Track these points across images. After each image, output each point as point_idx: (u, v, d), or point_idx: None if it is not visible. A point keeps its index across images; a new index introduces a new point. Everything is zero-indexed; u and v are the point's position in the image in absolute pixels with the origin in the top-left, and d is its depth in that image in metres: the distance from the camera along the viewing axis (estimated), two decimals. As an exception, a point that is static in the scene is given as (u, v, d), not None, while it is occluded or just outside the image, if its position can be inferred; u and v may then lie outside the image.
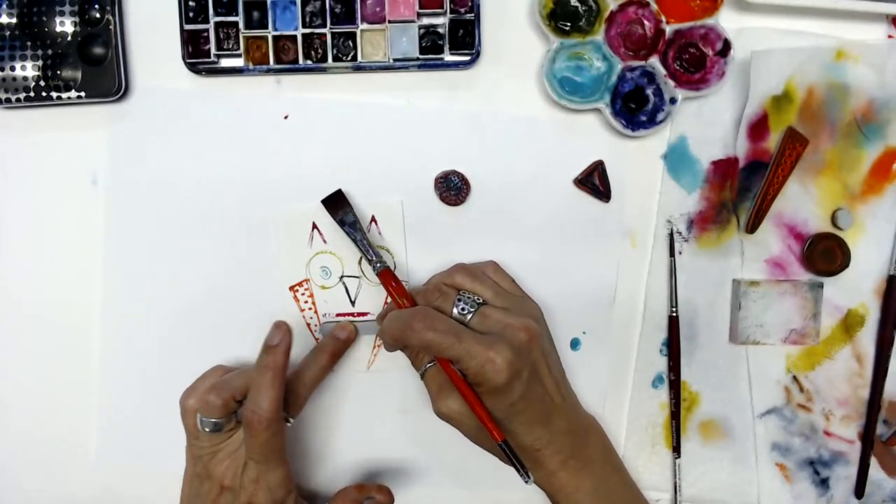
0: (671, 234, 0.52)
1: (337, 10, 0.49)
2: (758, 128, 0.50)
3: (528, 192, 0.51)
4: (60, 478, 0.53)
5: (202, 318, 0.52)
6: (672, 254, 0.52)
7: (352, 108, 0.51)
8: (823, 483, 0.53)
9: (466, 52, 0.49)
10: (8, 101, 0.49)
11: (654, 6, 0.48)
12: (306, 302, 0.52)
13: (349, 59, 0.50)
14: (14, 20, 0.49)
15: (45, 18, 0.49)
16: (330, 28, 0.49)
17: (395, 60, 0.49)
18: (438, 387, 0.44)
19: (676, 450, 0.53)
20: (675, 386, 0.52)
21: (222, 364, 0.50)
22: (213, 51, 0.49)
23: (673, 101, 0.49)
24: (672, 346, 0.52)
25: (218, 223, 0.51)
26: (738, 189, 0.51)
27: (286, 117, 0.51)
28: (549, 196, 0.51)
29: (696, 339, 0.52)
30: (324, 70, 0.50)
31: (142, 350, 0.52)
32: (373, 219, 0.51)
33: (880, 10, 0.50)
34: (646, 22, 0.49)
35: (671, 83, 0.49)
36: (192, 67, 0.50)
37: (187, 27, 0.49)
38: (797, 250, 0.52)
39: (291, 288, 0.52)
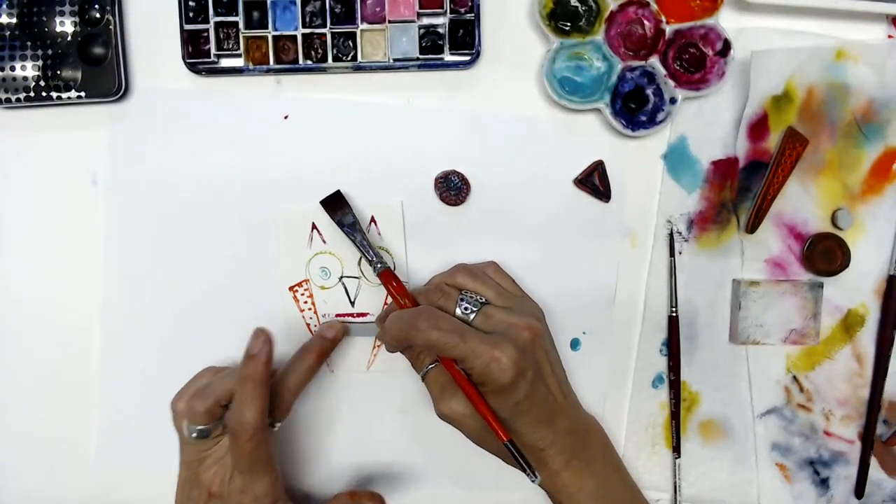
0: (671, 234, 0.52)
1: (337, 10, 0.49)
2: (758, 128, 0.50)
3: (528, 192, 0.51)
4: (60, 478, 0.53)
5: (202, 318, 0.52)
6: (672, 254, 0.52)
7: (352, 108, 0.51)
8: (823, 483, 0.53)
9: (466, 52, 0.49)
10: (8, 101, 0.49)
11: (654, 6, 0.48)
12: (306, 302, 0.52)
13: (349, 59, 0.50)
14: (14, 20, 0.49)
15: (45, 18, 0.49)
16: (330, 28, 0.49)
17: (395, 60, 0.49)
18: (441, 388, 0.44)
19: (676, 450, 0.53)
20: (675, 386, 0.52)
21: (214, 365, 0.50)
22: (213, 51, 0.49)
23: (673, 101, 0.49)
24: (672, 346, 0.52)
25: (218, 223, 0.51)
26: (738, 189, 0.51)
27: (286, 117, 0.51)
28: (549, 196, 0.51)
29: (696, 339, 0.52)
30: (324, 70, 0.50)
31: (142, 350, 0.52)
32: (372, 219, 0.51)
33: (880, 10, 0.50)
34: (646, 22, 0.49)
35: (671, 83, 0.49)
36: (192, 67, 0.50)
37: (187, 27, 0.49)
38: (797, 250, 0.52)
39: (291, 288, 0.52)
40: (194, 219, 0.51)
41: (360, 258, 0.51)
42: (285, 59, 0.50)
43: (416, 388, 0.52)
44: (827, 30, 0.50)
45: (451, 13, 0.49)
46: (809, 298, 0.52)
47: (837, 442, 0.53)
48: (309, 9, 0.49)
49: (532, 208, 0.51)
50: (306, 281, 0.52)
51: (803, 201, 0.51)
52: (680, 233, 0.52)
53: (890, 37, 0.51)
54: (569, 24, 0.49)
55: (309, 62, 0.50)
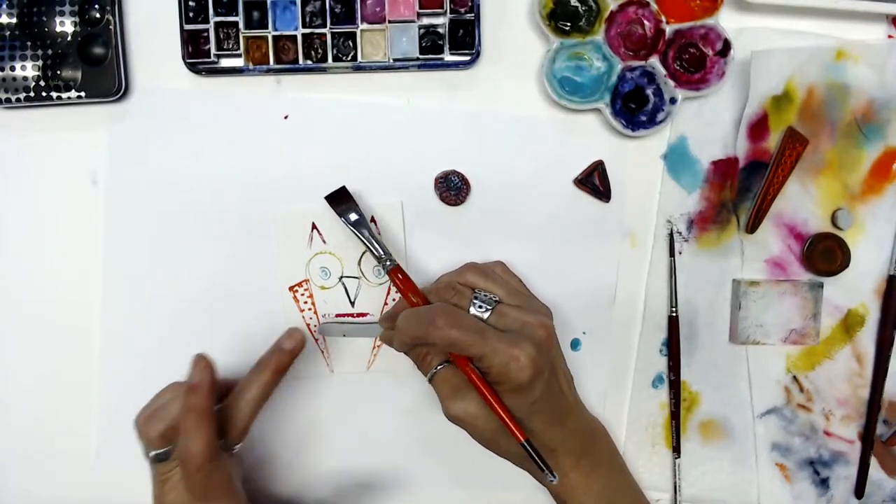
0: (671, 234, 0.52)
1: (337, 10, 0.49)
2: (758, 128, 0.50)
3: (528, 192, 0.51)
4: (60, 478, 0.53)
5: (202, 318, 0.52)
6: (672, 254, 0.52)
7: (352, 108, 0.51)
8: (823, 483, 0.53)
9: (466, 52, 0.49)
10: (8, 101, 0.49)
11: (654, 6, 0.48)
12: (306, 302, 0.52)
13: (349, 59, 0.50)
14: (14, 20, 0.49)
15: (45, 18, 0.49)
16: (330, 28, 0.49)
17: (395, 60, 0.49)
18: (452, 389, 0.43)
19: (676, 450, 0.53)
20: (675, 386, 0.52)
21: (178, 381, 0.46)
22: (213, 51, 0.49)
23: (673, 101, 0.49)
24: (672, 346, 0.52)
25: (218, 223, 0.51)
26: (738, 189, 0.51)
27: (286, 117, 0.51)
28: (549, 196, 0.51)
29: (696, 339, 0.52)
30: (324, 70, 0.50)
31: (142, 350, 0.52)
32: (372, 219, 0.51)
33: (880, 10, 0.50)
34: (646, 22, 0.49)
35: (671, 83, 0.49)
36: (192, 67, 0.50)
37: (187, 27, 0.49)
38: (797, 250, 0.52)
39: (291, 288, 0.52)
40: (194, 219, 0.51)
41: (361, 258, 0.51)
42: (285, 59, 0.50)
43: (417, 388, 0.52)
44: (827, 30, 0.50)
45: (451, 13, 0.49)
46: (809, 298, 0.52)
47: (837, 442, 0.53)
48: (309, 9, 0.49)
49: (532, 208, 0.51)
50: (306, 281, 0.52)
51: (803, 201, 0.51)
52: (680, 233, 0.52)
53: (890, 37, 0.51)
54: (569, 24, 0.49)
55: (309, 62, 0.50)
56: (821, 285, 0.51)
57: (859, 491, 0.53)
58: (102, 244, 0.52)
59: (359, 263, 0.52)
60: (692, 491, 0.53)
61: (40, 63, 0.49)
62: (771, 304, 0.51)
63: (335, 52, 0.50)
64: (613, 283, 0.52)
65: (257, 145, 0.51)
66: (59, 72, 0.49)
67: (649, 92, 0.49)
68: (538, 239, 0.52)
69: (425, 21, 0.50)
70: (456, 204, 0.51)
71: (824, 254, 0.51)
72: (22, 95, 0.49)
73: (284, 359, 0.46)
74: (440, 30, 0.49)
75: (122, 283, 0.52)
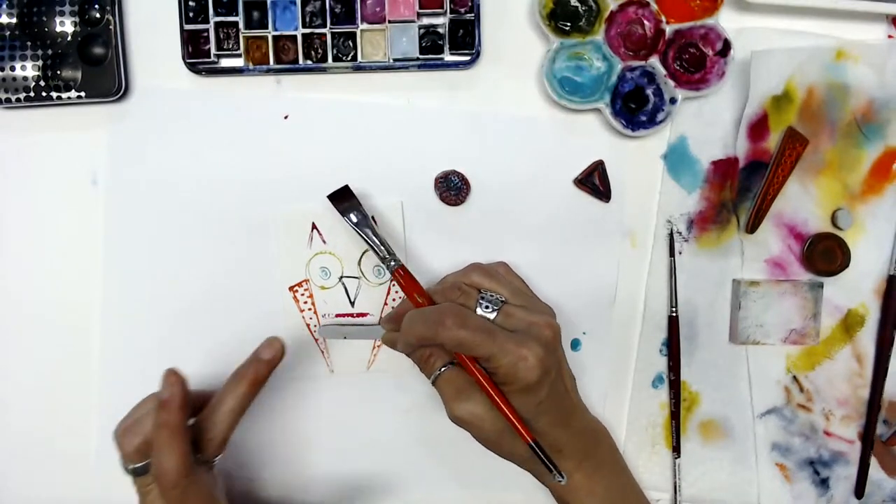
0: (671, 234, 0.52)
1: (337, 10, 0.49)
2: (758, 128, 0.50)
3: (528, 192, 0.51)
4: (60, 478, 0.53)
5: (202, 318, 0.52)
6: (672, 254, 0.52)
7: (352, 108, 0.51)
8: (823, 483, 0.53)
9: (466, 52, 0.49)
10: (8, 101, 0.49)
11: (654, 6, 0.48)
12: (305, 303, 0.52)
13: (349, 59, 0.50)
14: (14, 20, 0.49)
15: (45, 18, 0.49)
16: (330, 28, 0.49)
17: (395, 60, 0.49)
18: (456, 390, 0.43)
19: (676, 450, 0.53)
20: (675, 386, 0.52)
21: (156, 392, 0.44)
22: (213, 51, 0.49)
23: (673, 101, 0.49)
24: (672, 346, 0.52)
25: (218, 223, 0.51)
26: (738, 189, 0.51)
27: (286, 117, 0.51)
28: (549, 196, 0.51)
29: (696, 339, 0.52)
30: (324, 70, 0.50)
31: (142, 350, 0.52)
32: (373, 219, 0.51)
33: (880, 10, 0.50)
34: (646, 22, 0.49)
35: (671, 83, 0.49)
36: (192, 67, 0.50)
37: (187, 27, 0.49)
38: (797, 250, 0.52)
39: (291, 288, 0.52)
40: (194, 219, 0.51)
41: (361, 258, 0.51)
42: (285, 59, 0.50)
43: (417, 388, 0.52)
44: (827, 30, 0.50)
45: (451, 13, 0.49)
46: (809, 298, 0.52)
47: (837, 442, 0.53)
48: (309, 9, 0.49)
49: (532, 208, 0.51)
50: (306, 281, 0.52)
51: (803, 201, 0.51)
52: (680, 233, 0.52)
53: (890, 37, 0.51)
54: (569, 24, 0.49)
55: (309, 62, 0.50)
56: (821, 285, 0.51)
57: (859, 491, 0.53)
58: (102, 244, 0.52)
59: (359, 263, 0.52)
60: (692, 491, 0.53)
61: (40, 63, 0.49)
62: (771, 304, 0.51)
63: (335, 52, 0.50)
64: (613, 283, 0.52)
65: (257, 145, 0.51)
66: (59, 72, 0.49)
67: (649, 92, 0.49)
68: (538, 239, 0.52)
69: (425, 21, 0.50)
70: (456, 204, 0.51)
71: (824, 254, 0.51)
72: (22, 95, 0.49)
73: (262, 369, 0.44)
74: (440, 30, 0.49)
75: (122, 283, 0.52)
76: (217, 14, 0.49)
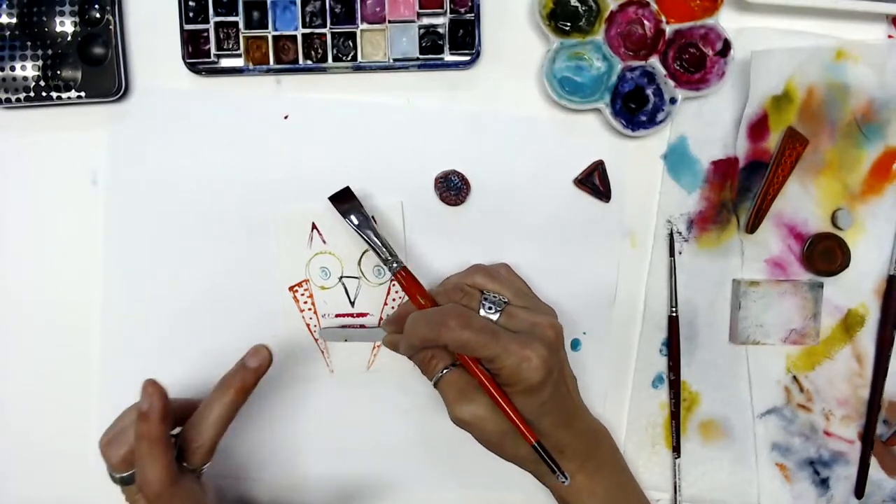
0: (671, 234, 0.52)
1: (337, 10, 0.49)
2: (758, 128, 0.50)
3: (528, 192, 0.51)
4: (60, 478, 0.53)
5: (202, 318, 0.52)
6: (672, 254, 0.52)
7: (352, 108, 0.51)
8: (823, 483, 0.53)
9: (466, 52, 0.49)
10: (8, 101, 0.49)
11: (654, 6, 0.48)
12: (305, 303, 0.52)
13: (349, 59, 0.50)
14: (14, 20, 0.49)
15: (45, 18, 0.49)
16: (330, 28, 0.49)
17: (395, 60, 0.49)
18: (459, 392, 0.43)
19: (676, 450, 0.53)
20: (675, 386, 0.52)
21: (138, 401, 0.43)
22: (213, 51, 0.49)
23: (673, 101, 0.49)
24: (672, 346, 0.52)
25: (218, 223, 0.51)
26: (738, 189, 0.51)
27: (286, 117, 0.51)
28: (549, 196, 0.51)
29: (696, 339, 0.52)
30: (324, 70, 0.50)
31: (142, 350, 0.52)
32: (373, 219, 0.51)
33: (880, 10, 0.50)
34: (646, 22, 0.49)
35: (671, 83, 0.49)
36: (192, 67, 0.50)
37: (187, 27, 0.49)
38: (797, 250, 0.52)
39: (291, 288, 0.52)
40: (194, 219, 0.51)
41: (361, 258, 0.51)
42: (285, 59, 0.50)
43: (417, 389, 0.52)
44: (827, 30, 0.50)
45: (451, 13, 0.49)
46: (809, 298, 0.52)
47: (837, 442, 0.53)
48: (309, 9, 0.49)
49: (532, 208, 0.51)
50: (306, 281, 0.52)
51: (803, 201, 0.51)
52: (680, 233, 0.52)
53: (890, 37, 0.51)
54: (569, 24, 0.49)
55: (309, 62, 0.50)
56: (821, 285, 0.51)
57: (859, 491, 0.53)
58: (102, 244, 0.52)
59: (359, 263, 0.52)
60: (692, 491, 0.53)
61: (40, 63, 0.49)
62: (771, 304, 0.51)
63: (335, 52, 0.50)
64: (613, 283, 0.52)
65: (257, 145, 0.51)
66: (59, 72, 0.49)
67: (649, 92, 0.49)
68: (538, 239, 0.52)
69: (425, 21, 0.50)
70: (456, 204, 0.51)
71: (824, 254, 0.51)
72: (22, 95, 0.49)
73: (249, 377, 0.44)
74: (440, 30, 0.49)
75: (122, 283, 0.52)
76: (217, 14, 0.49)
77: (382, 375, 0.52)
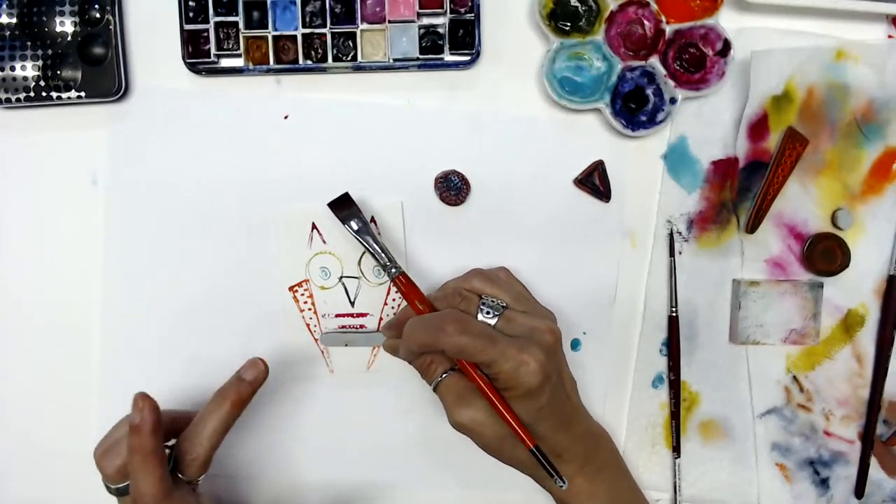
0: (671, 234, 0.52)
1: (337, 10, 0.49)
2: (758, 128, 0.50)
3: (528, 192, 0.51)
4: (60, 478, 0.53)
5: (202, 318, 0.52)
6: (672, 254, 0.52)
7: (352, 108, 0.51)
8: (823, 483, 0.53)
9: (466, 52, 0.49)
10: (8, 101, 0.49)
11: (654, 6, 0.48)
12: (305, 303, 0.52)
13: (349, 59, 0.50)
14: (14, 20, 0.49)
15: (45, 18, 0.49)
16: (330, 28, 0.49)
17: (395, 60, 0.49)
18: (457, 396, 0.43)
19: (676, 450, 0.53)
20: (675, 386, 0.52)
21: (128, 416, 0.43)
22: (213, 51, 0.49)
23: (673, 101, 0.49)
24: (672, 346, 0.52)
25: (218, 223, 0.51)
26: (738, 189, 0.51)
27: (286, 117, 0.51)
28: (549, 196, 0.51)
29: (696, 339, 0.52)
30: (324, 70, 0.50)
31: (142, 350, 0.52)
32: (372, 219, 0.51)
33: (880, 10, 0.50)
34: (646, 22, 0.49)
35: (671, 83, 0.49)
36: (192, 67, 0.50)
37: (187, 27, 0.49)
38: (797, 250, 0.52)
39: (291, 288, 0.52)
40: (194, 219, 0.51)
41: (361, 258, 0.51)
42: (285, 59, 0.50)
43: (417, 389, 0.52)
44: (827, 30, 0.50)
45: (451, 13, 0.49)
46: (809, 298, 0.52)
47: (837, 442, 0.53)
48: (309, 9, 0.49)
49: (532, 208, 0.51)
50: (306, 281, 0.52)
51: (803, 201, 0.51)
52: (680, 233, 0.52)
53: (890, 37, 0.51)
54: (569, 24, 0.49)
55: (309, 62, 0.50)
56: (821, 285, 0.51)
57: (859, 491, 0.53)
58: (102, 244, 0.52)
59: (359, 263, 0.52)
60: (692, 491, 0.53)
61: (40, 63, 0.49)
62: (771, 304, 0.51)
63: (335, 52, 0.50)
64: (613, 283, 0.52)
65: (257, 145, 0.51)
66: (59, 72, 0.49)
67: (649, 92, 0.49)
68: (538, 239, 0.52)
69: (425, 21, 0.50)
70: (456, 204, 0.51)
71: (824, 254, 0.51)
72: (22, 95, 0.49)
73: (245, 390, 0.44)
74: (440, 30, 0.49)
75: (122, 283, 0.52)
76: (217, 14, 0.49)
77: (383, 375, 0.52)
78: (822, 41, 0.50)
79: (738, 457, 0.53)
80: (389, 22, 0.49)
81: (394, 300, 0.52)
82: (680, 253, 0.52)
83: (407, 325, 0.43)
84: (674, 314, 0.52)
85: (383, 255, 0.46)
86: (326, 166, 0.51)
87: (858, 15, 0.50)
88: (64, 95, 0.49)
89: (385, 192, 0.51)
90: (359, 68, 0.50)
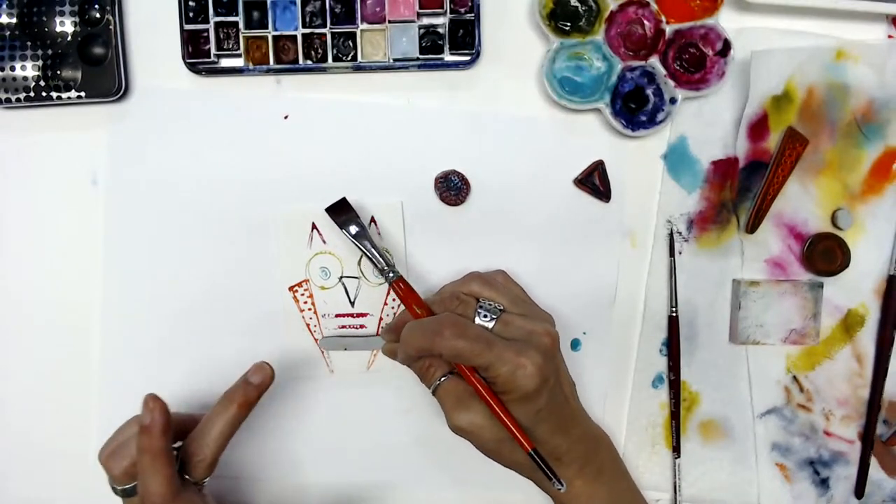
0: (671, 234, 0.52)
1: (337, 10, 0.49)
2: (758, 128, 0.50)
3: (528, 192, 0.51)
4: (60, 478, 0.53)
5: (202, 318, 0.52)
6: (672, 254, 0.52)
7: (352, 108, 0.51)
8: (823, 483, 0.53)
9: (466, 52, 0.49)
10: (8, 101, 0.49)
11: (654, 6, 0.48)
12: (305, 303, 0.52)
13: (349, 59, 0.50)
14: (14, 20, 0.49)
15: (45, 18, 0.49)
16: (330, 28, 0.49)
17: (395, 60, 0.49)
18: (456, 400, 0.43)
19: (676, 450, 0.53)
20: (675, 386, 0.52)
21: (139, 415, 0.43)
22: (213, 51, 0.49)
23: (673, 101, 0.49)
24: (672, 346, 0.52)
25: (218, 223, 0.51)
26: (738, 189, 0.51)
27: (286, 117, 0.51)
28: (549, 196, 0.51)
29: (696, 339, 0.52)
30: (324, 70, 0.50)
31: (142, 350, 0.52)
32: (372, 219, 0.51)
33: (880, 10, 0.50)
34: (646, 22, 0.49)
35: (671, 83, 0.49)
36: (192, 67, 0.50)
37: (187, 27, 0.49)
38: (797, 250, 0.52)
39: (291, 288, 0.52)
40: (194, 219, 0.51)
41: (361, 258, 0.51)
42: (285, 59, 0.50)
43: (417, 389, 0.52)
44: (827, 30, 0.50)
45: (451, 13, 0.49)
46: (809, 298, 0.52)
47: (837, 442, 0.53)
48: (309, 9, 0.49)
49: (532, 208, 0.51)
50: (306, 281, 0.52)
51: (803, 201, 0.51)
52: (680, 233, 0.52)
53: (890, 37, 0.51)
54: (569, 24, 0.49)
55: (309, 62, 0.50)
56: (821, 285, 0.51)
57: (859, 491, 0.53)
58: (102, 244, 0.52)
59: (359, 263, 0.52)
60: (692, 491, 0.53)
61: (40, 63, 0.49)
62: (771, 304, 0.51)
63: (335, 52, 0.50)
64: (613, 283, 0.52)
65: (257, 145, 0.51)
66: (59, 72, 0.49)
67: (649, 92, 0.49)
68: (538, 239, 0.52)
69: (425, 21, 0.50)
70: (456, 204, 0.51)
71: (824, 254, 0.51)
72: (22, 95, 0.49)
73: (251, 393, 0.45)
74: (440, 30, 0.49)
75: (122, 283, 0.52)
76: (217, 14, 0.49)
77: (382, 375, 0.52)
78: (822, 41, 0.50)
79: (738, 457, 0.53)
80: (389, 22, 0.49)
81: (393, 300, 0.52)
82: (680, 253, 0.52)
83: (404, 329, 0.43)
84: (674, 314, 0.52)
85: (381, 259, 0.47)
86: (326, 166, 0.51)
87: (858, 15, 0.50)
88: (64, 95, 0.49)
89: (385, 193, 0.51)
90: (359, 68, 0.50)
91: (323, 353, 0.52)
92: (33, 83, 0.49)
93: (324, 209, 0.48)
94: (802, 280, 0.52)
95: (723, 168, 0.51)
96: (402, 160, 0.51)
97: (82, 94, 0.49)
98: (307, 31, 0.49)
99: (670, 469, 0.53)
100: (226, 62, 0.50)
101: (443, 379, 0.43)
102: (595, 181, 0.51)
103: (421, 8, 0.49)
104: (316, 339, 0.52)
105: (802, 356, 0.53)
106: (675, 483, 0.53)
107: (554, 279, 0.51)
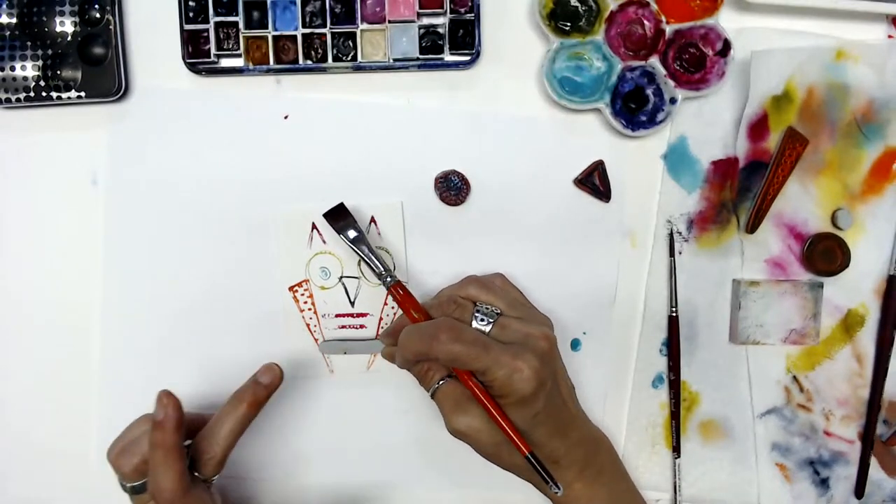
0: (671, 234, 0.52)
1: (337, 10, 0.49)
2: (758, 128, 0.50)
3: (528, 192, 0.51)
4: (60, 478, 0.53)
5: (202, 318, 0.52)
6: (672, 254, 0.52)
7: (352, 108, 0.51)
8: (823, 483, 0.53)
9: (466, 52, 0.49)
10: (8, 101, 0.49)
11: (654, 6, 0.48)
12: (305, 303, 0.52)
13: (349, 59, 0.50)
14: (14, 20, 0.49)
15: (45, 18, 0.49)
16: (330, 28, 0.49)
17: (395, 60, 0.49)
18: (454, 403, 0.43)
19: (676, 450, 0.53)
20: (675, 386, 0.52)
21: (149, 413, 0.44)
22: (213, 51, 0.49)
23: (673, 101, 0.49)
24: (672, 346, 0.52)
25: (218, 223, 0.51)
26: (738, 189, 0.51)
27: (286, 117, 0.51)
28: (549, 196, 0.51)
29: (696, 339, 0.52)
30: (324, 70, 0.50)
31: (142, 350, 0.52)
32: (372, 219, 0.51)
33: (880, 10, 0.50)
34: (646, 22, 0.49)
35: (671, 83, 0.49)
36: (192, 67, 0.50)
37: (187, 27, 0.49)
38: (797, 250, 0.52)
39: (291, 288, 0.52)
40: (194, 219, 0.51)
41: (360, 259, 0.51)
42: (285, 59, 0.50)
43: (417, 389, 0.52)
44: (827, 30, 0.50)
45: (451, 13, 0.49)
46: (809, 298, 0.52)
47: (837, 442, 0.53)
48: (309, 9, 0.49)
49: (532, 208, 0.51)
50: (306, 281, 0.52)
51: (803, 201, 0.51)
52: (680, 233, 0.52)
53: (890, 37, 0.51)
54: (569, 24, 0.49)
55: (309, 62, 0.50)
56: (821, 285, 0.51)
57: (859, 491, 0.53)
58: (102, 244, 0.52)
59: (359, 264, 0.52)
60: (692, 491, 0.53)
61: (40, 63, 0.49)
62: (771, 304, 0.51)
63: (335, 52, 0.50)
64: (613, 283, 0.52)
65: (257, 145, 0.51)
66: (59, 72, 0.49)
67: (649, 92, 0.49)
68: (538, 239, 0.52)
69: (425, 21, 0.50)
70: (456, 204, 0.51)
71: (824, 254, 0.51)
72: (22, 95, 0.49)
73: (261, 392, 0.46)
74: (440, 30, 0.49)
75: (122, 283, 0.52)
76: (217, 14, 0.49)
77: (382, 376, 0.52)
78: (822, 41, 0.50)
79: (738, 457, 0.53)
80: (389, 22, 0.49)
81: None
82: (680, 253, 0.52)
83: (402, 333, 0.43)
84: (674, 314, 0.52)
85: (379, 264, 0.47)
86: (326, 166, 0.51)
87: (858, 15, 0.50)
88: (64, 95, 0.49)
89: (385, 193, 0.51)
90: (359, 68, 0.50)
91: (323, 353, 0.52)
92: (33, 83, 0.49)
93: (321, 215, 0.48)
94: (802, 280, 0.52)
95: (723, 168, 0.51)
96: (401, 160, 0.51)
97: (82, 94, 0.49)
98: (307, 31, 0.49)
99: (670, 469, 0.53)
100: (226, 62, 0.50)
101: (441, 382, 0.43)
102: (595, 181, 0.51)
103: (421, 8, 0.49)
104: (316, 340, 0.52)
105: (802, 356, 0.53)
106: (675, 483, 0.53)
107: (554, 279, 0.51)
